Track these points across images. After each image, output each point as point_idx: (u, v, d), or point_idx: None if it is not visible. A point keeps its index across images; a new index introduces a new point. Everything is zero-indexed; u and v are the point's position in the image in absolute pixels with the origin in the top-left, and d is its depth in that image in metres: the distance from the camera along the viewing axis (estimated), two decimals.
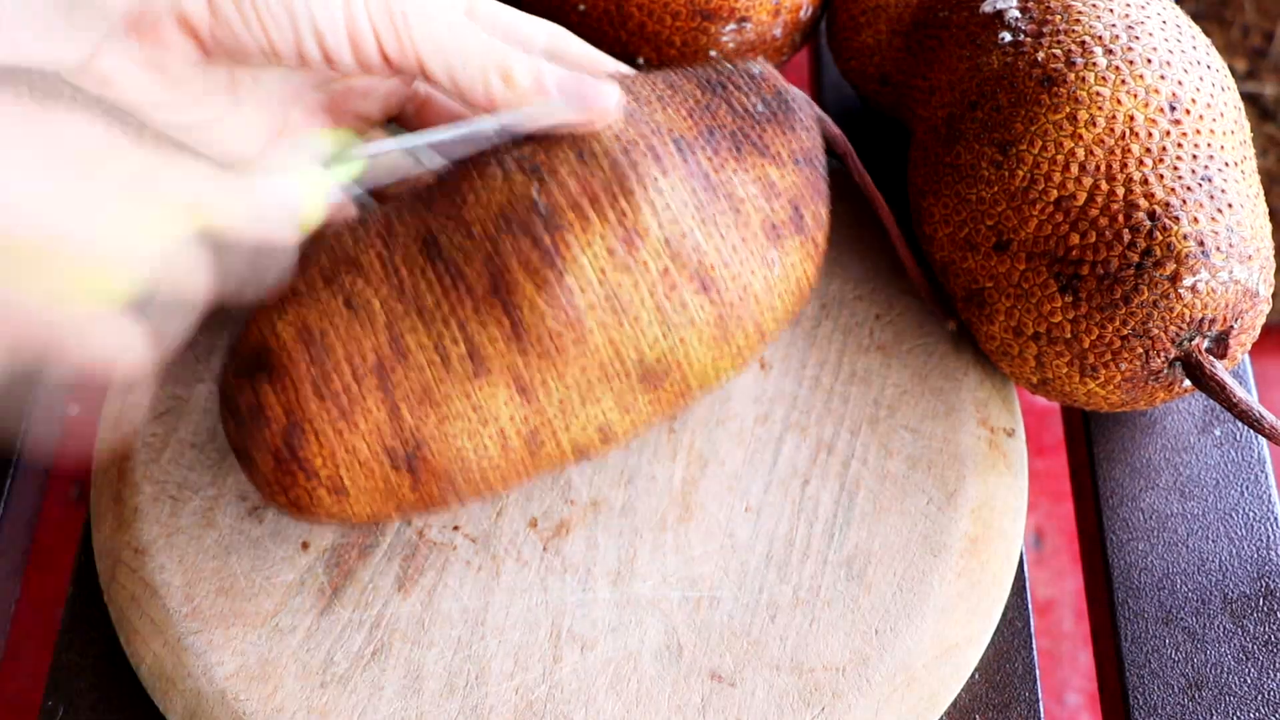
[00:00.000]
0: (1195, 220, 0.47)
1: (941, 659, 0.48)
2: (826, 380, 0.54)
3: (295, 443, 0.43)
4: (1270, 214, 1.06)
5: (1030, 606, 0.51)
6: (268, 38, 0.42)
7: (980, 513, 0.51)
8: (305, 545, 0.50)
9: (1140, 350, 0.48)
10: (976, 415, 0.53)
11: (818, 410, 0.53)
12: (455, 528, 0.50)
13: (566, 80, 0.44)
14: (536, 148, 0.44)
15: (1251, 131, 0.54)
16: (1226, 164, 0.49)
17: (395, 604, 0.49)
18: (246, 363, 0.44)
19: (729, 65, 0.48)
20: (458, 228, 0.44)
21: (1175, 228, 0.47)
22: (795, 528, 0.50)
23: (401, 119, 0.51)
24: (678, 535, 0.50)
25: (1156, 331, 0.48)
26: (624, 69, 0.49)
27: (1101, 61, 0.49)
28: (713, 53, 0.58)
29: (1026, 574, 0.52)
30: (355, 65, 0.43)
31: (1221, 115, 0.49)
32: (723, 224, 0.44)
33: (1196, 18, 1.09)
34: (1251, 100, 1.14)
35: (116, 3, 0.42)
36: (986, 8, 0.53)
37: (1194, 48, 0.51)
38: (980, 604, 0.49)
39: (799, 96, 0.48)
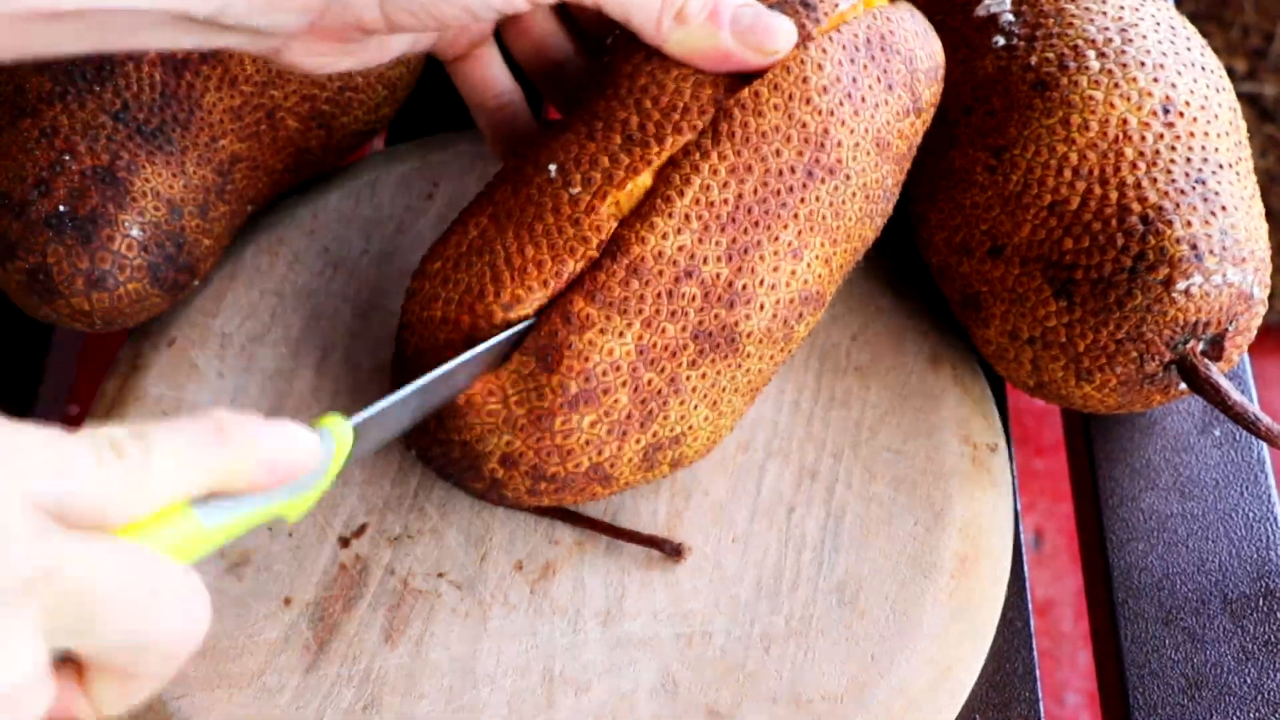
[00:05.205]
0: (1188, 224, 0.47)
1: (938, 682, 0.47)
2: (806, 405, 0.53)
3: None
4: (1269, 214, 1.06)
5: (1030, 606, 0.51)
6: (439, 19, 0.41)
7: (968, 531, 0.50)
8: (288, 601, 0.49)
9: (1135, 354, 0.48)
10: (958, 433, 0.52)
11: (799, 436, 0.52)
12: (440, 574, 0.49)
13: (743, 15, 0.42)
14: None
15: (1250, 132, 0.54)
16: (1221, 166, 0.49)
17: (383, 656, 0.48)
18: None
19: None
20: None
21: (1168, 231, 0.47)
22: (784, 556, 0.50)
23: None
24: (665, 571, 0.49)
25: (1151, 335, 0.48)
26: None
27: (1094, 65, 0.49)
28: None
29: (1026, 574, 0.52)
30: (528, 7, 0.41)
31: (1216, 117, 0.49)
32: None
33: (1195, 18, 1.09)
34: (1251, 101, 1.14)
35: (305, 4, 0.41)
36: (981, 11, 0.53)
37: (1188, 49, 0.51)
38: (973, 625, 0.49)
39: None
